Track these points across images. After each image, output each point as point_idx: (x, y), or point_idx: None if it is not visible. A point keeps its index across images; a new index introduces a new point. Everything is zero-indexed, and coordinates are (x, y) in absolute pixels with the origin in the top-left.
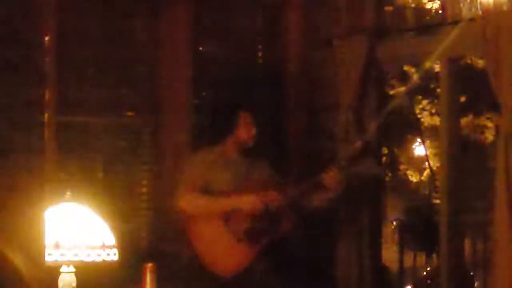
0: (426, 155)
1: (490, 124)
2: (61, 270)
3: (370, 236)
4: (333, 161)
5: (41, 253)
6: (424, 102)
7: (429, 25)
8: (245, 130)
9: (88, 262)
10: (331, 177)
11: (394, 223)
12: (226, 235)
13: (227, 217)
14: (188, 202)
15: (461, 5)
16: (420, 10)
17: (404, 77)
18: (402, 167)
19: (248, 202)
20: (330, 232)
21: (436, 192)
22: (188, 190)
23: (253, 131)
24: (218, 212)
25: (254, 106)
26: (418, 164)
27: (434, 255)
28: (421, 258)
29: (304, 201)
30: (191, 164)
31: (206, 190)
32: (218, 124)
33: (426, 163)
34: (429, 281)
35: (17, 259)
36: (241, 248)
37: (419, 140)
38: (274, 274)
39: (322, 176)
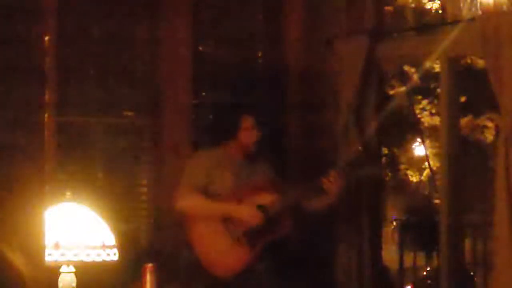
0: (426, 155)
1: (490, 124)
2: (61, 270)
3: (370, 236)
4: (334, 165)
5: (41, 253)
6: (424, 102)
7: (429, 25)
8: (247, 134)
9: (88, 262)
10: (331, 182)
11: (394, 223)
12: (225, 236)
13: (226, 219)
14: (187, 203)
15: (461, 5)
16: (420, 10)
17: (404, 77)
18: (402, 167)
19: (245, 212)
20: (330, 232)
21: (436, 192)
22: (188, 190)
23: (256, 135)
24: (214, 216)
25: (258, 110)
26: (418, 164)
27: (434, 255)
28: (421, 258)
29: (303, 204)
30: (192, 164)
31: (206, 192)
32: (221, 126)
33: (426, 163)
34: (429, 281)
35: (17, 259)
36: (240, 249)
37: (419, 140)
38: (273, 274)
39: (322, 180)
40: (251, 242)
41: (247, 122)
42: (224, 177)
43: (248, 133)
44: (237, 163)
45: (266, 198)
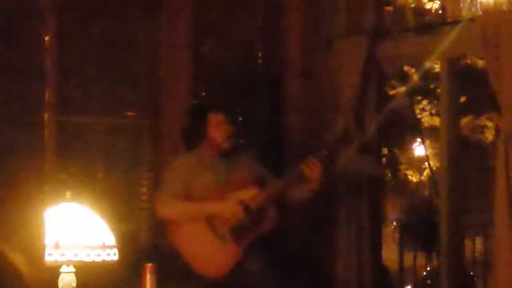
0: (426, 155)
1: (490, 124)
2: (61, 270)
3: (370, 236)
4: (313, 151)
5: (41, 253)
6: (424, 102)
7: (429, 25)
8: (217, 131)
9: (88, 262)
10: (311, 168)
11: (394, 223)
12: (210, 236)
13: (210, 218)
14: (166, 208)
15: (461, 5)
16: (420, 10)
17: (404, 77)
18: (402, 167)
19: (227, 208)
20: (330, 232)
21: (436, 192)
22: (167, 197)
23: (227, 130)
24: (198, 217)
25: (227, 105)
26: (418, 164)
27: (434, 255)
28: (421, 258)
29: (287, 195)
30: (169, 172)
31: (187, 196)
32: (191, 128)
33: (426, 163)
34: (429, 281)
35: (17, 259)
36: (227, 247)
37: (419, 140)
38: (270, 275)
39: (302, 167)
40: (237, 239)
41: (215, 118)
42: (203, 181)
43: (218, 130)
44: (215, 162)
45: (248, 193)
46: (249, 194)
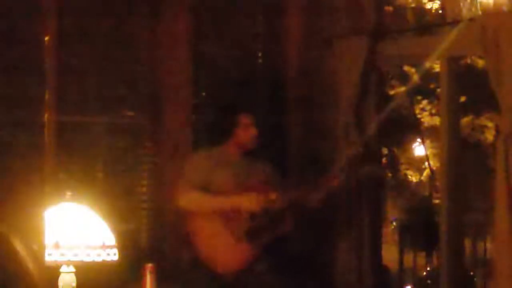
0: (426, 155)
1: (490, 124)
2: (61, 270)
3: (370, 236)
4: (334, 163)
5: (41, 253)
6: (424, 102)
7: (429, 25)
8: (245, 132)
9: (88, 262)
10: (332, 180)
11: (394, 223)
12: (225, 235)
13: (227, 217)
14: (188, 200)
15: (461, 5)
16: (420, 10)
17: (404, 77)
18: (402, 167)
19: (247, 201)
20: (330, 232)
21: (436, 192)
22: (188, 188)
23: (253, 132)
24: (217, 211)
25: (254, 107)
26: (418, 164)
27: (434, 255)
28: (421, 258)
29: (303, 202)
30: (191, 163)
31: (206, 191)
32: (219, 125)
33: (426, 163)
34: (429, 281)
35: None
36: (241, 247)
37: (419, 140)
38: (274, 274)
39: (324, 179)
40: (251, 239)
41: (245, 120)
42: (223, 176)
43: (246, 131)
44: (235, 162)
45: (265, 197)
46: (268, 197)
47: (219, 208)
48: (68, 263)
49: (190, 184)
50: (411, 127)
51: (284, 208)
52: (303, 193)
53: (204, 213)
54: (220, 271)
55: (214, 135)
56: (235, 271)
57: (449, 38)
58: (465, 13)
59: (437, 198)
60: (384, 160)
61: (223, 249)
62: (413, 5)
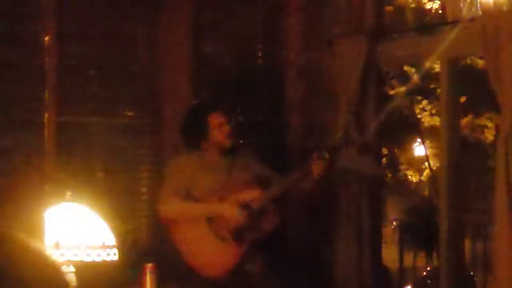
0: (426, 155)
1: (490, 124)
2: None
3: (370, 236)
4: (317, 149)
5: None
6: (424, 102)
7: (429, 25)
8: (218, 131)
9: (88, 262)
10: (318, 166)
11: (394, 223)
12: (210, 237)
13: (211, 218)
14: (169, 209)
15: (461, 5)
16: (420, 10)
17: (404, 77)
18: (402, 167)
19: (228, 210)
20: (330, 232)
21: (436, 192)
22: (169, 196)
23: (227, 131)
24: (199, 218)
25: (224, 105)
26: (418, 164)
27: (434, 255)
28: (421, 258)
29: (288, 193)
30: (171, 170)
31: (188, 195)
32: (191, 129)
33: (426, 163)
34: (429, 281)
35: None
36: (227, 248)
37: (419, 140)
38: (269, 275)
39: (310, 166)
40: (237, 239)
41: (215, 119)
42: (205, 179)
43: (219, 130)
44: (216, 164)
45: (249, 194)
46: (251, 195)
47: (201, 216)
48: (68, 263)
49: (171, 191)
50: (411, 127)
51: (268, 204)
52: (288, 184)
53: (185, 220)
54: (209, 274)
55: (188, 138)
56: (225, 273)
57: (449, 38)
58: (465, 13)
59: (437, 198)
60: (384, 160)
61: (210, 252)
62: (413, 5)
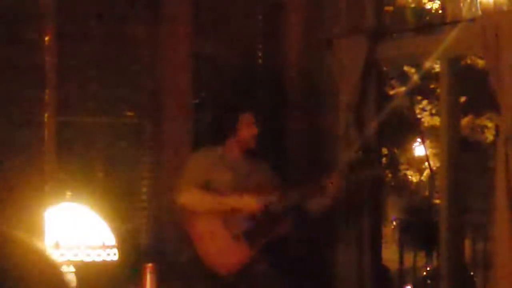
0: (426, 155)
1: (490, 124)
2: None
3: (370, 236)
4: (335, 166)
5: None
6: (424, 102)
7: (429, 25)
8: (246, 131)
9: (88, 262)
10: (332, 183)
11: (394, 223)
12: (224, 234)
13: (226, 217)
14: (189, 198)
15: (461, 5)
16: (420, 10)
17: (404, 77)
18: (402, 167)
19: (248, 202)
20: (330, 232)
21: (436, 192)
22: (189, 186)
23: (255, 131)
24: (218, 210)
25: (255, 106)
26: (418, 164)
27: (434, 255)
28: (421, 258)
29: (303, 205)
30: (191, 163)
31: (207, 190)
32: (220, 125)
33: (426, 163)
34: (429, 281)
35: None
36: (239, 247)
37: (419, 140)
38: (274, 275)
39: (326, 182)
40: (250, 240)
41: (246, 119)
42: (224, 176)
43: (248, 129)
44: (236, 162)
45: (266, 197)
46: (267, 198)
47: (219, 208)
48: (68, 263)
49: (190, 182)
50: (411, 127)
51: (284, 209)
52: (304, 196)
53: (202, 213)
54: (218, 271)
55: (216, 133)
56: (233, 272)
57: (449, 38)
58: (465, 13)
59: (437, 198)
60: (384, 160)
61: (221, 249)
62: (413, 5)
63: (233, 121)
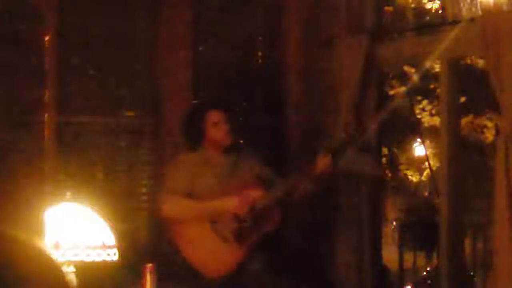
0: (426, 155)
1: (490, 124)
2: None
3: (370, 236)
4: (319, 150)
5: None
6: (424, 102)
7: (429, 25)
8: (215, 130)
9: (88, 262)
10: (318, 166)
11: (394, 223)
12: (213, 236)
13: (213, 219)
14: (171, 207)
15: (461, 5)
16: (420, 10)
17: (404, 77)
18: (402, 167)
19: (230, 204)
20: (330, 232)
21: (436, 192)
22: (171, 195)
23: (225, 129)
24: (202, 216)
25: (225, 103)
26: (418, 164)
27: (434, 255)
28: (421, 258)
29: (292, 194)
30: (173, 170)
31: (191, 195)
32: (189, 126)
33: (426, 163)
34: (429, 281)
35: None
36: (229, 248)
37: (419, 140)
38: (270, 274)
39: (315, 165)
40: (239, 240)
41: (213, 117)
42: (206, 179)
43: (216, 128)
44: (217, 163)
45: (253, 194)
46: (254, 195)
47: (203, 214)
48: (68, 263)
49: (173, 190)
50: (411, 127)
51: (271, 205)
52: (290, 187)
53: (188, 221)
54: (211, 274)
55: (189, 137)
56: (227, 273)
57: (449, 38)
58: (465, 13)
59: (437, 198)
60: (384, 160)
61: (212, 254)
62: (413, 5)
63: (199, 121)
